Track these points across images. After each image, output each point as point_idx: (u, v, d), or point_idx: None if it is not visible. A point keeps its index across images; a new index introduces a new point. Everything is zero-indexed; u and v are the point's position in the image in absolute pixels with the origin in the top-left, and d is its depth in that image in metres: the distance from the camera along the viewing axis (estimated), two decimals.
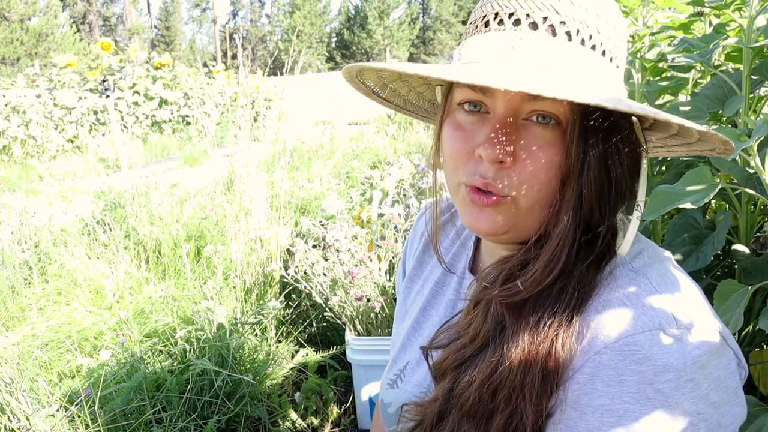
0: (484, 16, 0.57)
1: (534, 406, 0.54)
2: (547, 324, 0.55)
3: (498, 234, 0.60)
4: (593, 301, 0.56)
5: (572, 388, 0.54)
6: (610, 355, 0.52)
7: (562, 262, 0.56)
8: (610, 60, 0.56)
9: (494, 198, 0.57)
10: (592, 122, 0.54)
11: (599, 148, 0.54)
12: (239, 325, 2.01)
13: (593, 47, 0.55)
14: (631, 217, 0.59)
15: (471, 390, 0.58)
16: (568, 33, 0.54)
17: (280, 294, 2.44)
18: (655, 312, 0.53)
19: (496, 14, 0.56)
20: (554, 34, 0.54)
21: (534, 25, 0.54)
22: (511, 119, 0.55)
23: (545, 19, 0.54)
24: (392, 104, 0.76)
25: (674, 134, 0.59)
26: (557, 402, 0.55)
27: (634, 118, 0.57)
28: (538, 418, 0.55)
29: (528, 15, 0.54)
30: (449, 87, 0.63)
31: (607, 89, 0.55)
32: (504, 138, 0.55)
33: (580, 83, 0.53)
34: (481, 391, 0.57)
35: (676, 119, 0.49)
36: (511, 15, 0.55)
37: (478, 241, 0.77)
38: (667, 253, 0.63)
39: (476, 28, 0.58)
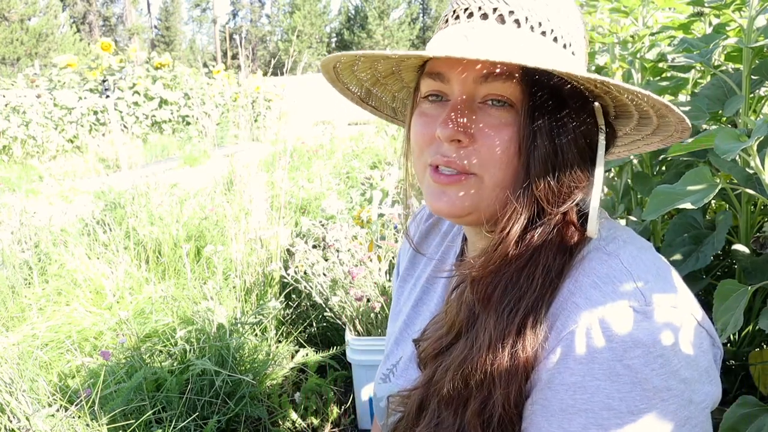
0: (446, 16, 0.63)
1: (503, 389, 0.56)
2: (514, 310, 0.57)
3: (462, 215, 0.62)
4: (565, 284, 0.57)
5: (546, 368, 0.55)
6: (581, 334, 0.53)
7: (511, 235, 0.58)
8: (564, 46, 0.59)
9: (456, 175, 0.60)
10: (540, 100, 0.57)
11: (546, 123, 0.57)
12: (239, 325, 2.01)
13: (543, 33, 0.58)
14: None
15: (446, 378, 0.60)
16: (516, 21, 0.58)
17: (280, 294, 2.44)
18: (625, 290, 0.54)
19: (454, 11, 0.61)
20: (503, 22, 0.58)
21: (485, 16, 0.59)
22: (467, 101, 0.59)
23: (495, 9, 0.58)
24: (383, 113, 0.80)
25: (637, 125, 0.63)
26: (532, 383, 0.56)
27: (596, 104, 0.60)
28: (506, 401, 0.56)
29: (480, 8, 0.59)
30: (417, 84, 0.67)
31: (554, 65, 0.57)
32: (459, 118, 0.58)
33: (525, 58, 0.56)
34: (455, 378, 0.59)
35: (604, 79, 0.52)
36: (465, 10, 0.60)
37: (465, 239, 0.79)
38: (644, 240, 0.64)
39: (439, 27, 0.63)
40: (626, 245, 0.59)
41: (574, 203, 0.60)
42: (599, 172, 0.59)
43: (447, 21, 0.62)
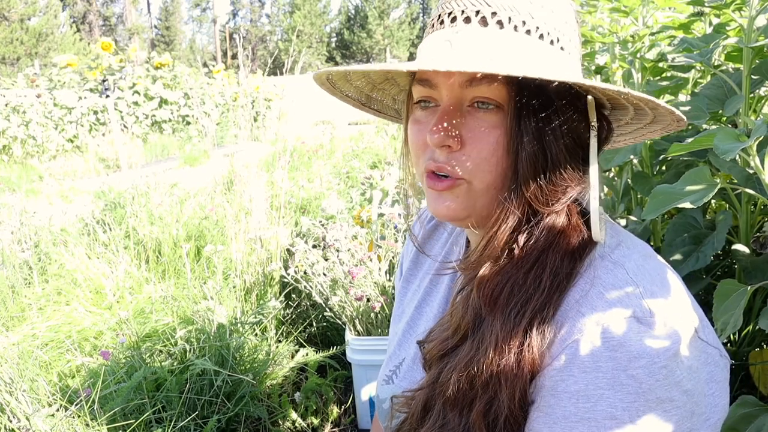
0: (432, 21, 0.63)
1: (509, 390, 0.56)
2: (521, 313, 0.57)
3: (459, 218, 0.63)
4: (572, 291, 0.57)
5: (550, 375, 0.55)
6: (585, 343, 0.53)
7: (500, 235, 0.59)
8: (551, 42, 0.59)
9: (449, 181, 0.61)
10: (525, 100, 0.57)
11: (533, 123, 0.57)
12: (239, 324, 2.01)
13: (528, 32, 0.58)
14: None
15: (452, 379, 0.60)
16: (499, 22, 0.58)
17: (280, 294, 2.44)
18: (630, 301, 0.54)
19: (439, 16, 0.61)
20: (486, 24, 0.58)
21: (468, 20, 0.58)
22: (455, 107, 0.60)
23: (477, 12, 0.58)
24: (386, 115, 0.81)
25: (635, 115, 0.62)
26: (536, 389, 0.56)
27: (589, 98, 0.60)
28: (512, 402, 0.56)
29: (462, 11, 0.59)
30: (410, 90, 0.67)
31: (542, 67, 0.57)
32: (447, 124, 0.59)
33: (509, 63, 0.57)
34: (460, 380, 0.59)
35: (594, 83, 0.53)
36: (449, 14, 0.60)
37: (468, 239, 0.79)
38: (647, 246, 0.64)
39: (427, 32, 0.64)
40: (631, 253, 0.60)
41: (570, 201, 0.60)
42: (594, 170, 0.58)
43: (434, 26, 0.62)
